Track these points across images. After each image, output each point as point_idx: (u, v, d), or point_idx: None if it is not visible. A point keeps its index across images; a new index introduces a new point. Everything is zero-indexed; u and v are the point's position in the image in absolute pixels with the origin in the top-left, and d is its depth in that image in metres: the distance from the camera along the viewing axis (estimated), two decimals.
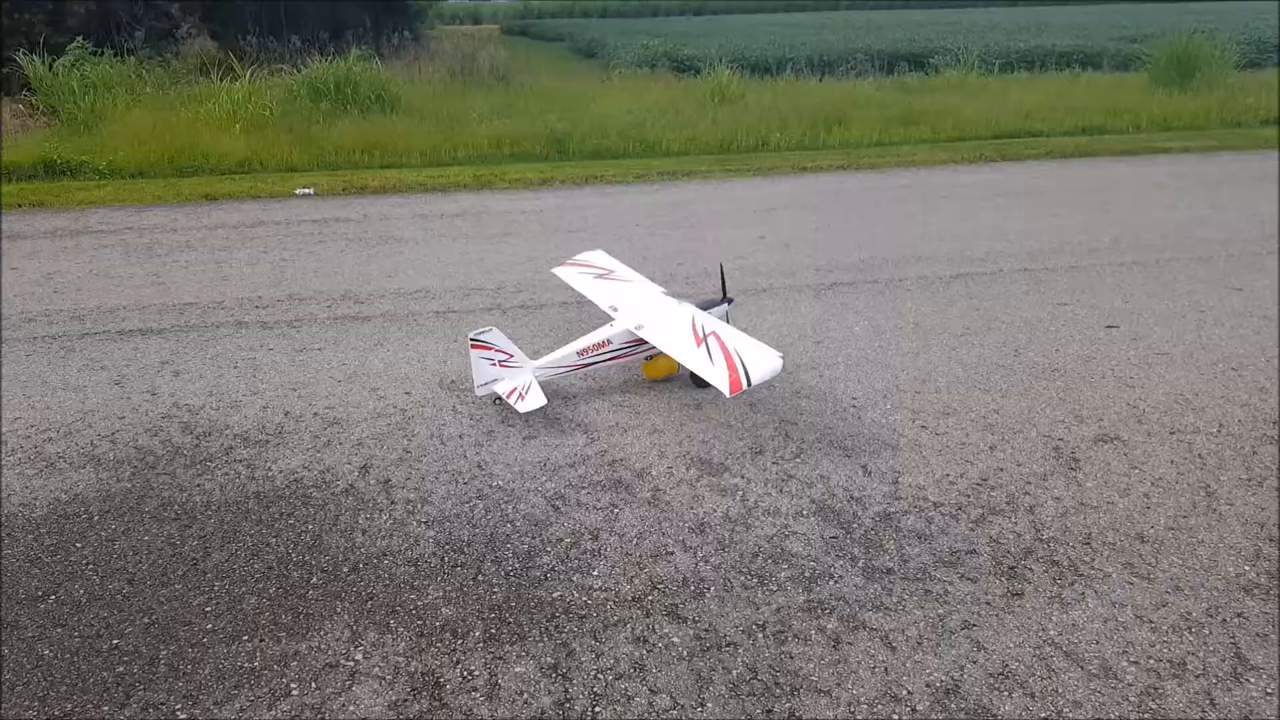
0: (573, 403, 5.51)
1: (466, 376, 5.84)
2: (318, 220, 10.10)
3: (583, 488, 4.55)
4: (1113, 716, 3.08)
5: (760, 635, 3.50)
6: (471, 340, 5.18)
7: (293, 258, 8.67)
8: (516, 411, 5.22)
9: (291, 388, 5.76)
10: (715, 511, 4.32)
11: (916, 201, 10.87)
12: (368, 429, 5.20)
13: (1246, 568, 3.80)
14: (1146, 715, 3.08)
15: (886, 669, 3.32)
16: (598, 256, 6.88)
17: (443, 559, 3.99)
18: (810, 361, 6.09)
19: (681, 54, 26.16)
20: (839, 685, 3.25)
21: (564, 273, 6.68)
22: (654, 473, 4.69)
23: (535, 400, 5.18)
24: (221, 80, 15.97)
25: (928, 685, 3.24)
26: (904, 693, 3.21)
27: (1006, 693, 3.20)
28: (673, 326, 5.48)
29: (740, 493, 4.48)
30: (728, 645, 3.45)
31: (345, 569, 3.93)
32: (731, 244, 9.13)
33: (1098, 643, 3.41)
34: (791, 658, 3.38)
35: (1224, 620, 3.50)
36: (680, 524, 4.23)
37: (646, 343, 5.56)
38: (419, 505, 4.41)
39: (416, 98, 16.87)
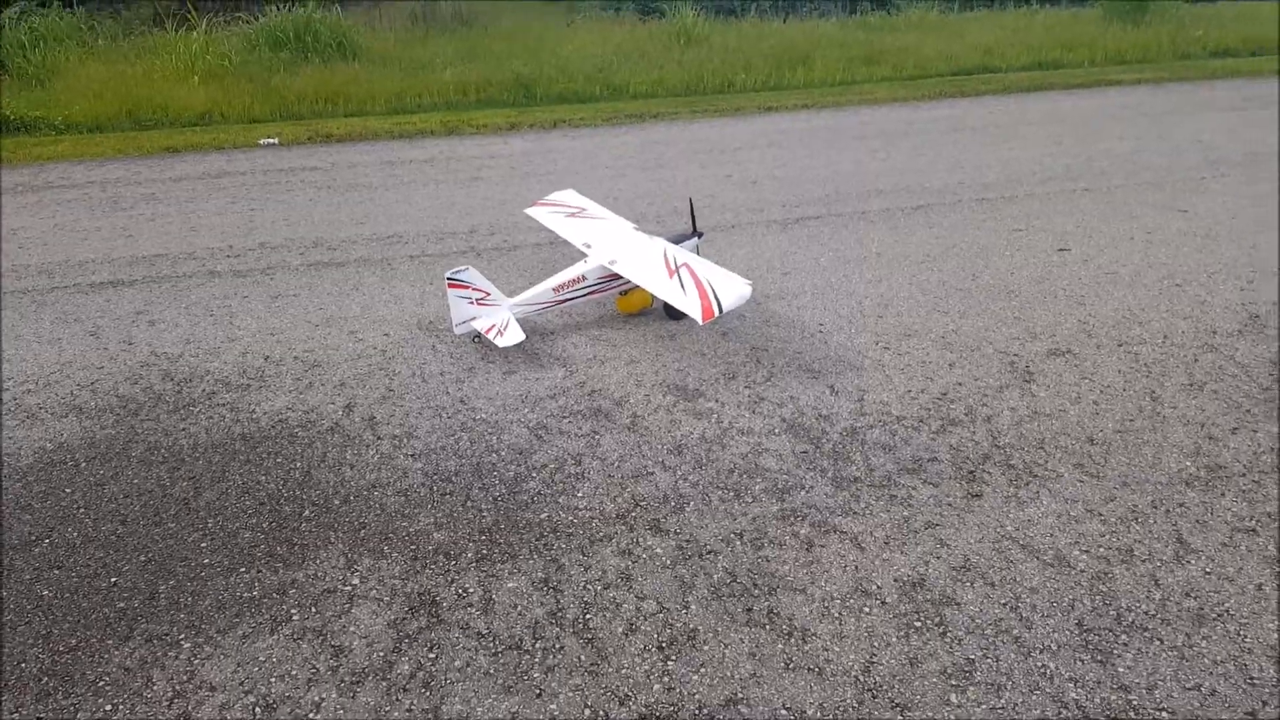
0: (550, 338, 5.65)
1: (445, 317, 5.95)
2: (284, 169, 10.02)
3: (564, 417, 4.72)
4: (1066, 600, 3.34)
5: (738, 543, 3.72)
6: (448, 279, 5.30)
7: (261, 207, 8.64)
8: (496, 347, 5.37)
9: (270, 333, 5.83)
10: (692, 434, 4.51)
11: (878, 138, 11.00)
12: (349, 370, 5.30)
13: (1187, 463, 4.08)
14: (1097, 597, 3.35)
15: (857, 567, 3.56)
16: (569, 195, 6.99)
17: (431, 488, 4.15)
18: (779, 291, 6.27)
19: None
20: (813, 583, 3.48)
21: (536, 212, 6.80)
22: (632, 400, 4.86)
23: (514, 336, 5.32)
24: (176, 31, 15.56)
25: (895, 580, 3.48)
26: (874, 587, 3.45)
27: (968, 583, 3.45)
28: (646, 260, 5.62)
29: (715, 415, 4.68)
30: (708, 553, 3.67)
31: (336, 501, 4.08)
32: (699, 183, 9.22)
33: (1051, 535, 3.67)
34: (768, 561, 3.61)
35: (1167, 510, 3.78)
36: (659, 446, 4.42)
37: (620, 277, 5.70)
38: (405, 440, 4.55)
39: (378, 45, 16.57)
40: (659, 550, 3.69)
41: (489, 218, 8.21)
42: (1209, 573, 3.42)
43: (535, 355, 5.42)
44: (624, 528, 3.83)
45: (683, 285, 5.25)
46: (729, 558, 3.63)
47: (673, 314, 5.82)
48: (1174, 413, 4.49)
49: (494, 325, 5.37)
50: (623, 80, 14.94)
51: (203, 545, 3.82)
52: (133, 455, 4.49)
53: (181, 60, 14.16)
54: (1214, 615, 3.23)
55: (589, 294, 5.78)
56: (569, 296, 5.73)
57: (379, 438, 4.57)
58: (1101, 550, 3.57)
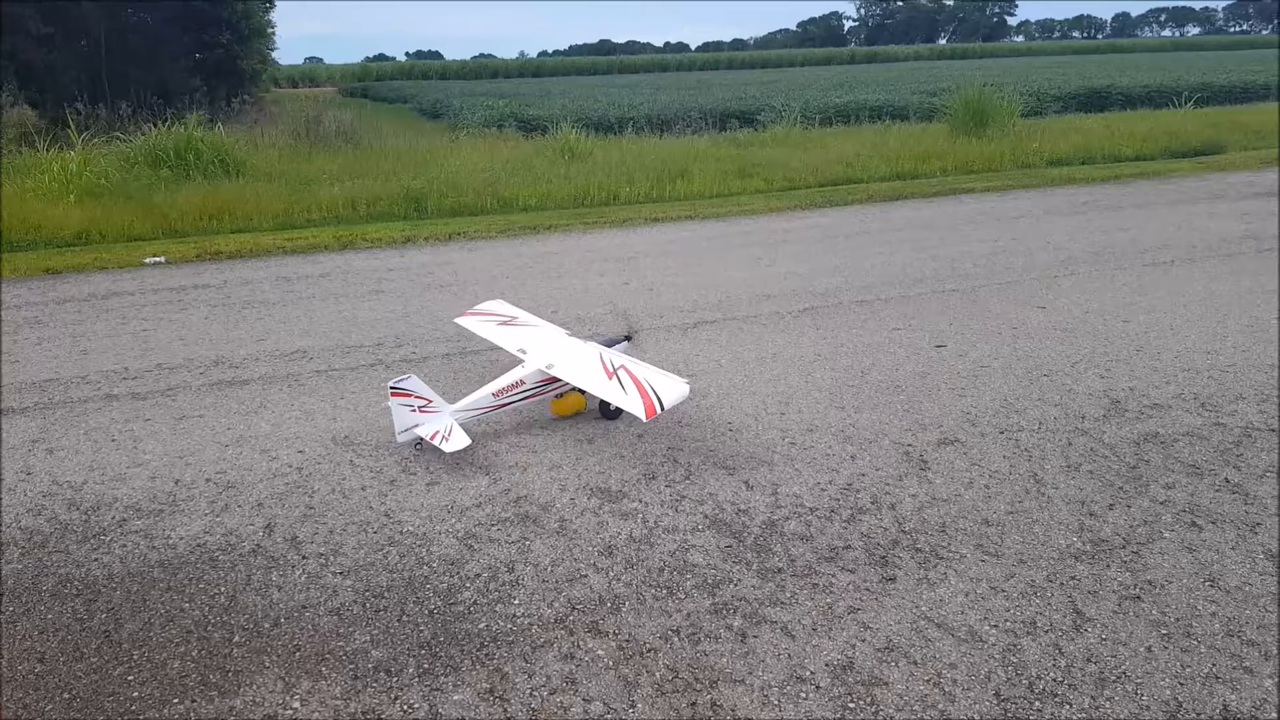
0: (471, 448, 5.71)
1: (359, 431, 5.95)
2: (174, 288, 9.81)
3: (492, 525, 4.77)
4: (982, 672, 3.60)
5: (676, 639, 3.84)
6: (391, 388, 5.45)
7: (154, 327, 8.41)
8: (442, 453, 5.42)
9: (178, 456, 5.66)
10: (620, 534, 4.65)
11: (760, 246, 11.73)
12: (265, 489, 5.21)
13: (1074, 539, 4.49)
14: (1009, 668, 3.62)
15: (789, 655, 3.73)
16: (498, 305, 7.33)
17: (364, 605, 4.10)
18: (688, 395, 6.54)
19: (527, 114, 26.84)
20: (750, 673, 3.63)
21: (467, 322, 7.08)
22: (558, 505, 4.97)
23: (459, 441, 5.45)
24: (49, 150, 15.15)
25: (826, 664, 3.67)
26: (807, 673, 3.62)
27: (893, 663, 3.67)
28: (583, 364, 5.96)
29: (640, 515, 4.83)
30: (649, 651, 3.77)
31: (267, 625, 3.97)
32: (600, 291, 9.57)
33: (963, 613, 3.96)
34: (706, 655, 3.74)
35: (1061, 584, 4.14)
36: (589, 549, 4.52)
37: (558, 380, 6.03)
38: (331, 557, 4.49)
39: (262, 161, 16.58)
40: (600, 652, 3.77)
41: (394, 330, 8.27)
42: (1104, 639, 3.76)
43: (458, 464, 5.47)
44: (564, 632, 3.90)
45: (623, 386, 5.61)
46: (669, 654, 3.74)
47: (608, 414, 6.10)
48: (1056, 493, 4.94)
49: (438, 431, 5.49)
50: (512, 193, 15.41)
51: (130, 679, 3.65)
52: (44, 589, 4.25)
53: (56, 180, 13.77)
54: (1114, 678, 3.55)
55: (526, 398, 6.03)
56: (508, 401, 5.93)
57: (304, 557, 4.50)
58: (1008, 624, 3.87)
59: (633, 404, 5.42)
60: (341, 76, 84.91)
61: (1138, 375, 6.60)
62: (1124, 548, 4.38)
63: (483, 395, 5.84)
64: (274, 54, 47.36)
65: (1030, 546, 4.43)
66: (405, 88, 56.32)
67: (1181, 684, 3.49)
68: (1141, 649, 3.68)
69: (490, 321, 6.98)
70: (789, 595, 4.11)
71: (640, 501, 4.98)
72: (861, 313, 8.53)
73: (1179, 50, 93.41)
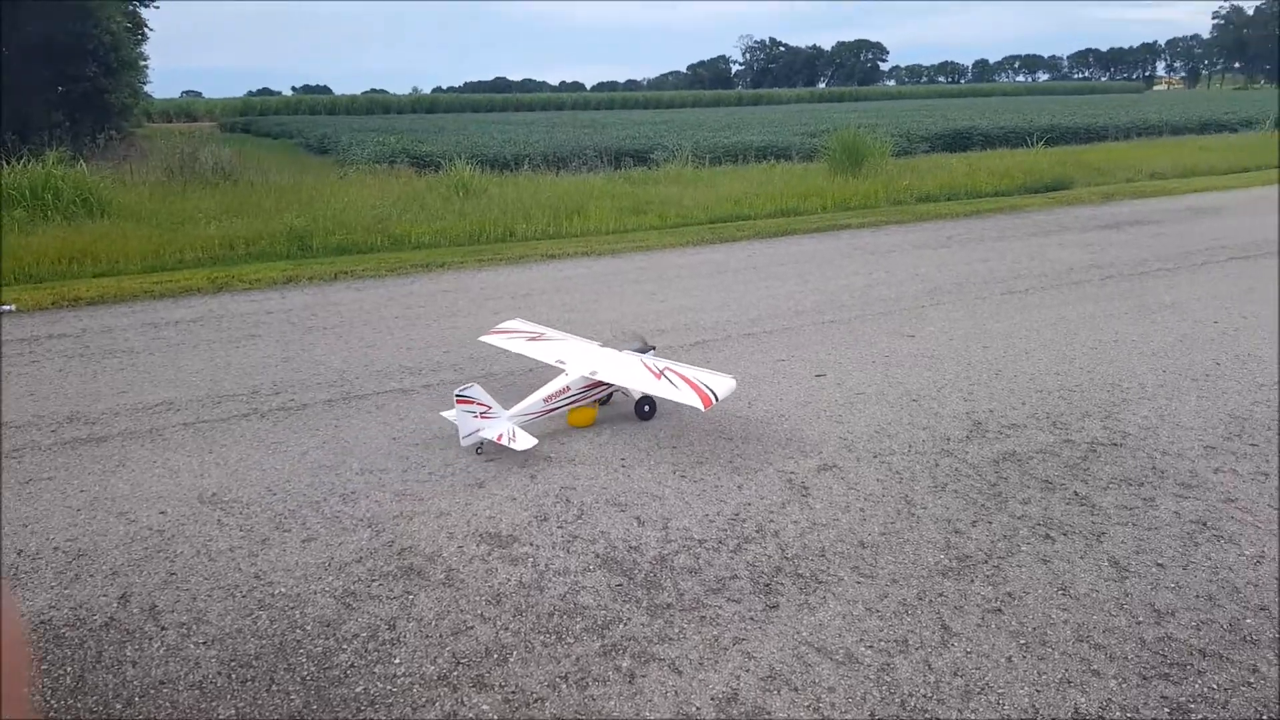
0: (353, 499, 5.58)
1: (230, 487, 5.73)
2: (25, 339, 9.23)
3: (373, 581, 4.66)
4: (858, 694, 3.74)
5: (564, 685, 3.84)
6: (457, 396, 5.95)
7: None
8: (515, 451, 5.88)
9: (22, 524, 5.29)
10: (509, 581, 4.62)
11: (654, 282, 11.94)
12: (121, 556, 4.92)
13: (941, 556, 4.72)
14: (883, 687, 3.77)
15: (676, 692, 3.78)
16: (518, 323, 7.97)
17: (230, 676, 3.92)
18: (580, 433, 6.59)
19: (420, 150, 26.63)
20: (638, 715, 3.66)
21: (494, 339, 7.71)
22: (445, 554, 4.90)
23: (525, 441, 5.93)
24: None
25: (712, 698, 3.73)
26: (694, 709, 3.67)
27: (776, 691, 3.76)
28: (627, 368, 6.65)
29: (531, 559, 4.82)
30: (535, 701, 3.75)
31: (119, 705, 3.75)
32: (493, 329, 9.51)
33: (840, 636, 4.10)
34: (594, 700, 3.75)
35: (930, 601, 4.34)
36: (476, 598, 4.47)
37: (601, 386, 6.64)
38: (194, 627, 4.28)
39: (130, 200, 15.85)
40: (485, 707, 3.73)
41: (271, 376, 8.01)
42: (969, 652, 3.97)
43: (337, 518, 5.33)
44: (447, 689, 3.83)
45: (673, 383, 6.30)
46: (556, 703, 3.73)
47: (642, 415, 6.76)
48: (925, 512, 5.20)
49: (502, 434, 5.96)
50: (404, 231, 15.19)
51: None
52: None
53: None
54: (978, 689, 3.74)
55: (573, 402, 6.59)
56: (556, 406, 6.48)
57: (163, 628, 4.27)
58: (882, 644, 4.04)
59: (688, 398, 6.13)
60: (222, 111, 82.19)
61: (996, 397, 7.02)
62: (986, 562, 4.63)
63: (534, 401, 6.36)
64: (147, 87, 45.52)
65: (902, 566, 4.64)
66: (291, 123, 54.94)
67: (1038, 691, 3.71)
68: (1002, 659, 3.90)
69: (519, 338, 7.61)
70: (677, 631, 4.17)
71: (531, 545, 4.97)
72: (749, 345, 8.78)
73: (1032, 94, 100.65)
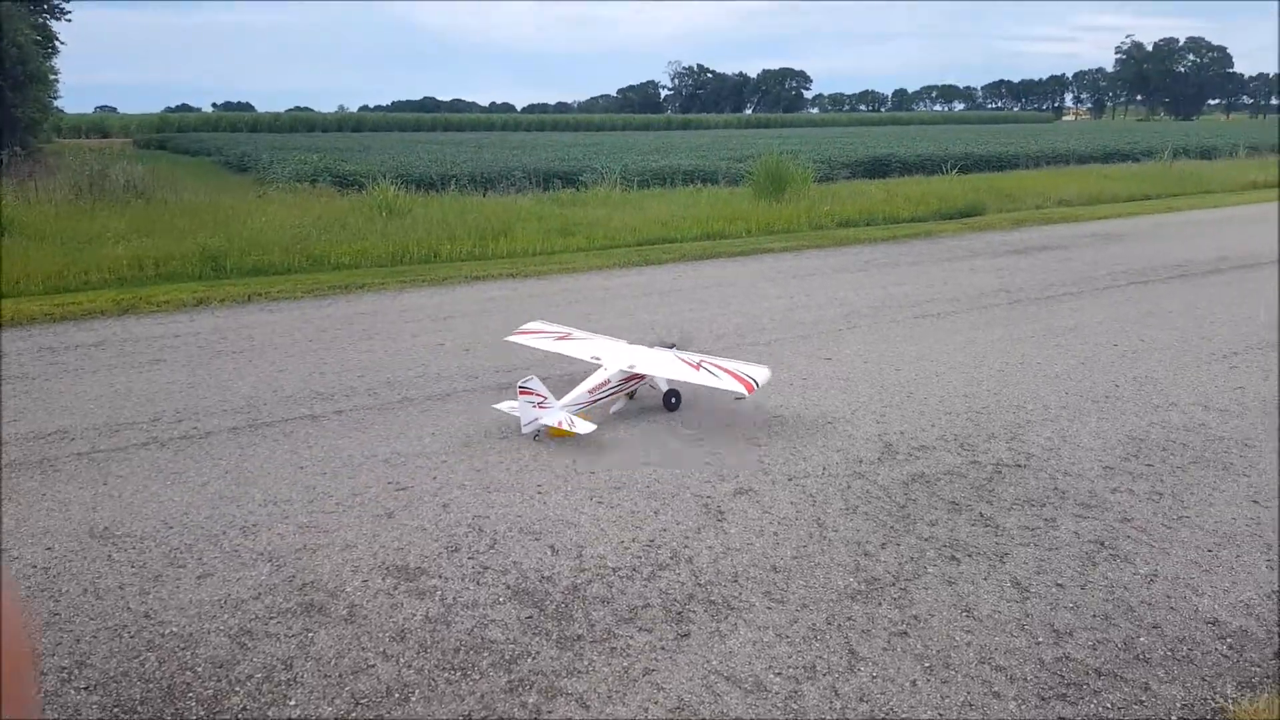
0: (253, 532, 5.37)
1: (123, 520, 5.48)
2: None
3: (271, 618, 4.47)
4: None
5: None
6: (520, 387, 6.63)
7: None
8: (579, 435, 6.52)
9: None
10: (415, 615, 4.49)
11: (579, 304, 11.90)
12: None
13: (850, 579, 4.77)
14: (790, 715, 3.77)
15: None
16: (541, 324, 8.63)
17: None
18: (497, 459, 6.49)
19: (344, 169, 26.15)
20: None
21: (521, 339, 8.39)
22: (348, 589, 4.74)
23: (586, 426, 6.60)
24: None
25: None
26: None
27: None
28: (664, 362, 7.33)
29: (439, 593, 4.70)
30: None
31: None
32: (411, 352, 9.36)
33: (750, 663, 4.09)
34: None
35: (839, 625, 4.37)
36: (380, 635, 4.33)
37: (639, 377, 7.30)
38: (75, 671, 4.04)
39: (35, 218, 15.16)
40: None
41: (175, 403, 7.70)
42: (875, 676, 4.00)
43: (236, 552, 5.12)
44: None
45: (713, 373, 6.95)
46: None
47: (670, 406, 7.37)
48: (837, 535, 5.25)
49: (561, 421, 6.58)
50: (323, 251, 14.86)
51: None
52: None
53: None
54: (883, 715, 3.77)
55: (614, 393, 7.24)
56: (599, 397, 7.13)
57: (42, 673, 4.02)
58: (790, 671, 4.05)
59: (730, 384, 6.78)
60: (138, 127, 79.51)
61: (908, 419, 7.17)
62: (894, 585, 4.70)
63: (580, 393, 7.03)
64: (57, 102, 43.76)
65: (812, 590, 4.67)
66: (211, 140, 53.42)
67: (941, 715, 3.76)
68: (907, 684, 3.94)
69: (546, 338, 8.26)
70: (586, 663, 4.11)
71: (440, 577, 4.85)
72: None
73: (948, 123, 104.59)
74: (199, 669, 4.07)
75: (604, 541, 5.21)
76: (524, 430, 6.67)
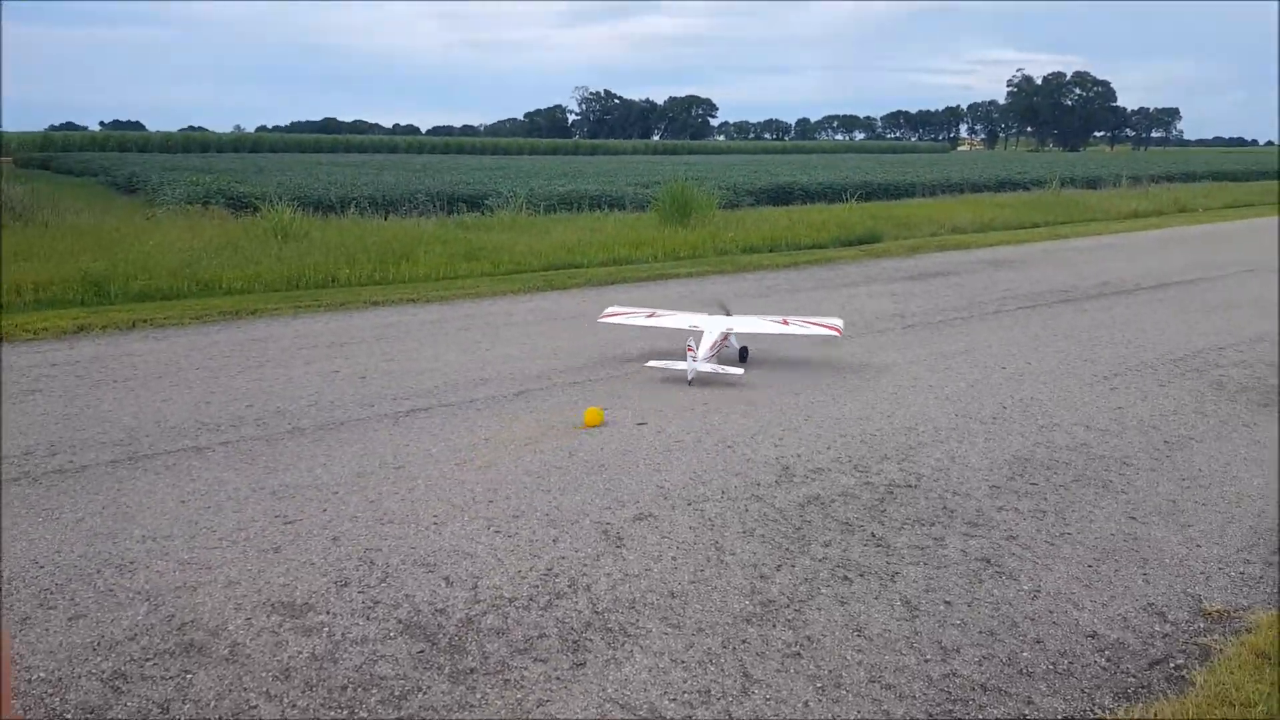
0: (130, 570, 5.08)
1: None
2: None
3: (147, 660, 4.23)
4: None
5: None
6: (688, 345, 8.85)
7: None
8: (737, 373, 9.03)
9: None
10: (300, 653, 4.31)
11: (481, 330, 11.78)
12: None
13: (746, 602, 4.81)
14: None
15: None
16: (617, 309, 10.87)
17: None
18: (391, 489, 6.32)
19: (238, 191, 25.29)
20: None
21: (613, 320, 10.52)
22: (231, 627, 4.53)
23: (735, 370, 9.06)
24: None
25: None
26: None
27: None
28: (753, 323, 10.07)
29: (326, 629, 4.53)
30: None
31: None
32: (304, 380, 9.07)
33: (645, 690, 4.07)
34: None
35: (734, 649, 4.40)
36: (263, 675, 4.14)
37: (728, 337, 9.62)
38: None
39: None
40: None
41: (49, 436, 7.26)
42: (769, 699, 4.03)
43: (111, 591, 4.84)
44: None
45: (803, 324, 9.89)
46: None
47: (743, 358, 9.70)
48: (734, 558, 5.30)
49: (714, 370, 8.99)
50: (214, 276, 14.35)
51: None
52: None
53: None
54: None
55: (717, 350, 9.33)
56: (714, 353, 9.23)
57: None
58: (685, 696, 4.04)
59: (820, 329, 9.71)
60: (19, 146, 75.17)
61: (804, 442, 7.32)
62: (788, 606, 4.76)
63: (705, 350, 9.10)
64: None
65: (709, 614, 4.69)
66: (97, 159, 50.87)
67: None
68: (800, 705, 3.99)
69: (636, 316, 10.53)
70: (479, 697, 4.01)
71: (328, 613, 4.67)
72: (573, 394, 8.76)
73: (849, 152, 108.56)
74: (68, 716, 3.81)
75: (500, 572, 5.12)
76: (689, 379, 8.84)
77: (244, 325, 11.82)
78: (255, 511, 5.90)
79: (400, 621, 4.59)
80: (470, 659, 4.28)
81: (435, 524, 5.75)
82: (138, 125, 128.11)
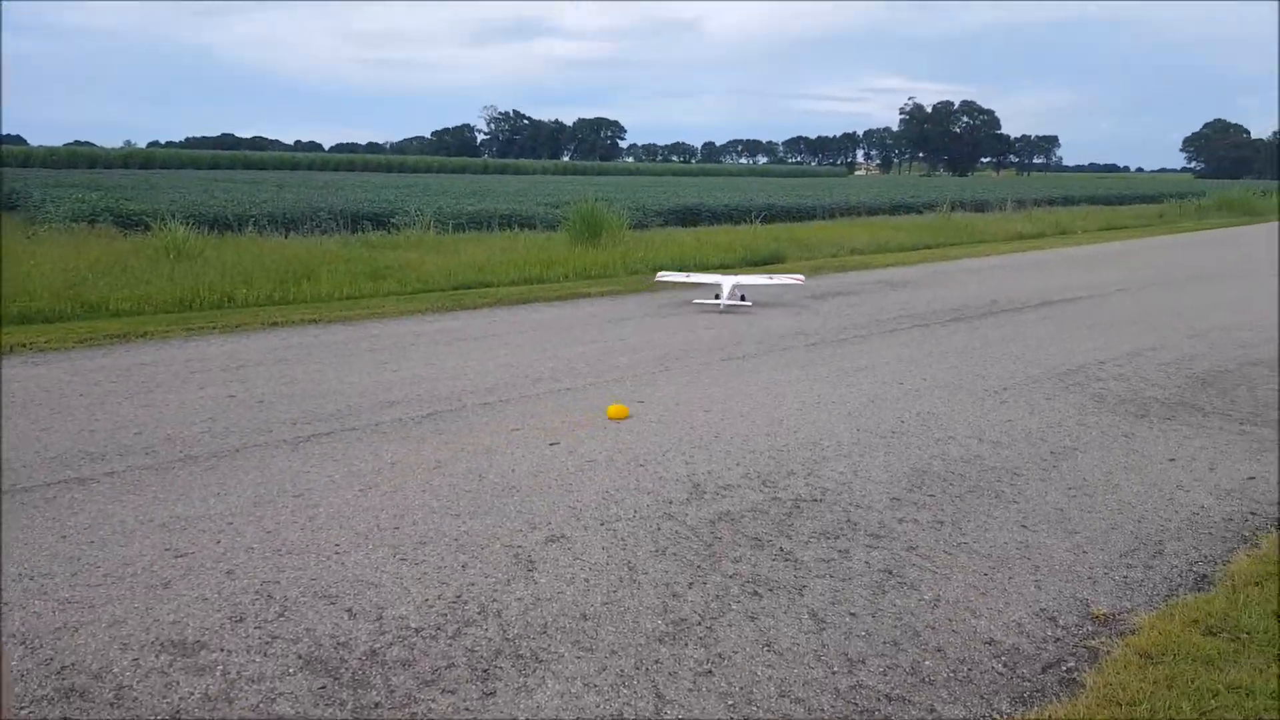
0: (7, 610, 4.73)
1: None
2: None
3: (22, 708, 3.94)
4: None
5: None
6: (714, 296, 14.56)
7: None
8: (748, 306, 14.40)
9: None
10: (192, 694, 4.09)
11: (388, 351, 11.51)
12: None
13: (658, 621, 4.81)
14: None
15: None
16: (665, 273, 16.52)
17: None
18: (290, 518, 6.09)
19: (126, 208, 24.14)
20: None
21: (668, 278, 16.12)
22: (116, 669, 4.27)
23: (747, 303, 14.63)
24: None
25: None
26: None
27: None
28: (750, 278, 15.62)
29: (220, 667, 4.31)
30: None
31: None
32: (198, 406, 8.68)
33: (557, 716, 4.02)
34: None
35: (646, 669, 4.39)
36: (151, 718, 3.91)
37: (739, 287, 14.81)
38: None
39: None
40: None
41: None
42: (681, 718, 4.04)
43: None
44: None
45: (779, 276, 16.08)
46: None
47: (743, 300, 14.79)
48: (646, 578, 5.30)
49: (737, 304, 14.33)
50: (101, 297, 13.66)
51: None
52: None
53: None
54: None
55: (732, 295, 14.64)
56: (731, 297, 14.54)
57: None
58: None
59: (790, 280, 15.65)
60: None
61: (714, 459, 7.41)
62: (700, 624, 4.78)
63: (727, 293, 14.52)
64: None
65: (621, 635, 4.67)
66: None
67: None
68: None
69: (680, 276, 16.28)
70: None
71: (222, 650, 4.45)
72: (483, 415, 8.65)
73: (753, 175, 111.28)
74: None
75: (406, 601, 4.99)
76: (721, 309, 14.29)
77: (133, 348, 11.25)
78: (143, 545, 5.60)
79: (300, 657, 4.42)
80: (375, 693, 4.15)
81: (337, 553, 5.57)
82: (18, 139, 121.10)
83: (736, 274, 16.19)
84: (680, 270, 16.97)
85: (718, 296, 14.48)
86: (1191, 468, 7.46)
